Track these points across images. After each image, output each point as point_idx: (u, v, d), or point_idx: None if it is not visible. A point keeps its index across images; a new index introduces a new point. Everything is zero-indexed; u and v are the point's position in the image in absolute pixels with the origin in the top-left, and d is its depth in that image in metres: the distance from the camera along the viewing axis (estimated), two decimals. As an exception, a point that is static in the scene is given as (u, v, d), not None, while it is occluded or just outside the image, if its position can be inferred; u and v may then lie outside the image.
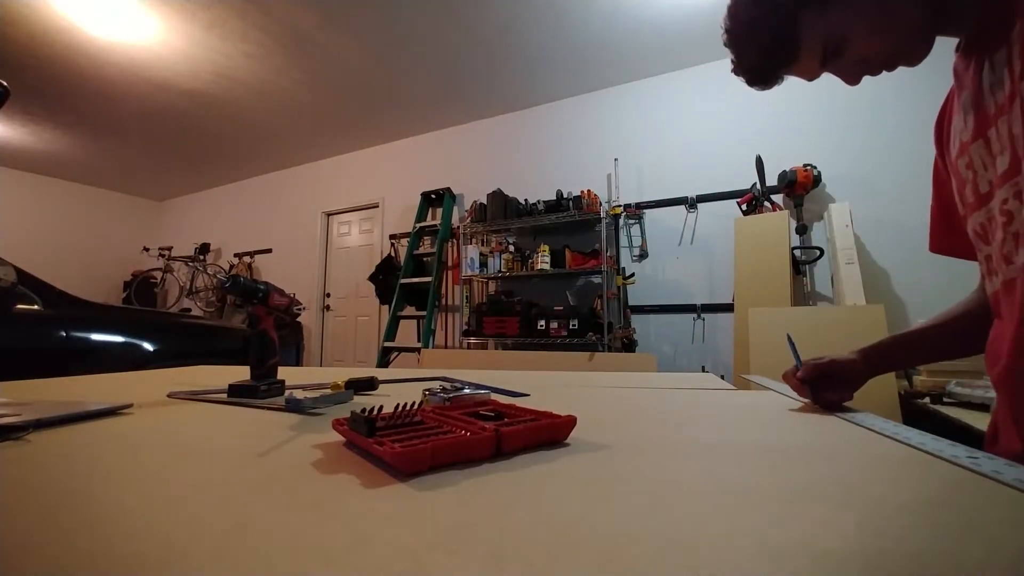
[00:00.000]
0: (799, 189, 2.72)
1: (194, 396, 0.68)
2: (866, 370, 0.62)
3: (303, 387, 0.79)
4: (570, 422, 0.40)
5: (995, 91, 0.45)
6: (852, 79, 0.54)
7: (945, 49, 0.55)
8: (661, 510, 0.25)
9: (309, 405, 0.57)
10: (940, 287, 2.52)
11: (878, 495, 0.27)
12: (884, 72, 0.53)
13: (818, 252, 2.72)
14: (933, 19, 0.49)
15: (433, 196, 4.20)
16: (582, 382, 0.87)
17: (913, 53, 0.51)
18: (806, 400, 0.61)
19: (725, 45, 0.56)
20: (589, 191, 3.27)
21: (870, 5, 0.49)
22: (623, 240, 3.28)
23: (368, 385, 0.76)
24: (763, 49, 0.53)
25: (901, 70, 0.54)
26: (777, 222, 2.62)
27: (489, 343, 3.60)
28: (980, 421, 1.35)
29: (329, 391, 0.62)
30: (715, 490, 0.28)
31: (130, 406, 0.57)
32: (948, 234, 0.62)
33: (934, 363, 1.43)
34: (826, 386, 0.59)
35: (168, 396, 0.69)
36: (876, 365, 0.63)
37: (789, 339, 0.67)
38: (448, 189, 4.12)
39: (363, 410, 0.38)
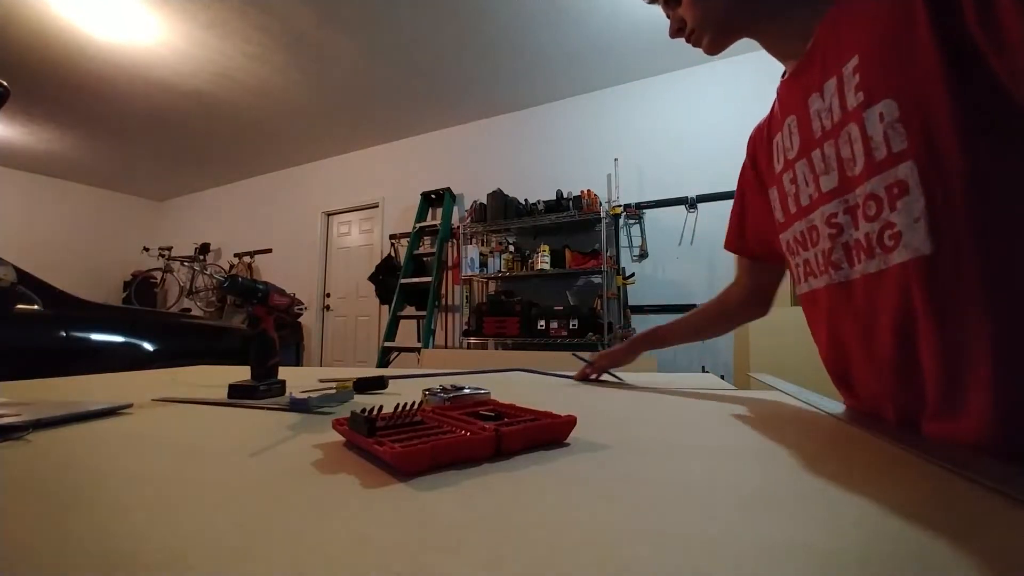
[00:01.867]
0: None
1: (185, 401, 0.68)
2: (631, 350, 0.89)
3: (317, 385, 0.79)
4: (570, 422, 0.40)
5: (822, 117, 0.50)
6: (670, 30, 0.64)
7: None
8: (661, 510, 0.25)
9: (315, 404, 0.57)
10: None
11: (878, 495, 0.27)
12: (686, 42, 0.62)
13: (818, 252, 2.72)
14: (738, 22, 0.58)
15: (433, 196, 4.20)
16: (585, 382, 0.87)
17: (710, 40, 0.60)
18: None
19: None
20: (589, 191, 3.27)
21: None
22: (623, 240, 3.28)
23: (377, 384, 0.76)
24: None
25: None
26: (777, 222, 2.62)
27: (489, 343, 3.60)
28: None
29: (333, 390, 0.62)
30: (715, 490, 0.28)
31: (130, 406, 0.57)
32: (740, 235, 0.74)
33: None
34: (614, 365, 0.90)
35: (155, 400, 0.68)
36: (639, 345, 0.89)
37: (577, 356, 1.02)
38: (448, 189, 4.12)
39: (363, 410, 0.37)
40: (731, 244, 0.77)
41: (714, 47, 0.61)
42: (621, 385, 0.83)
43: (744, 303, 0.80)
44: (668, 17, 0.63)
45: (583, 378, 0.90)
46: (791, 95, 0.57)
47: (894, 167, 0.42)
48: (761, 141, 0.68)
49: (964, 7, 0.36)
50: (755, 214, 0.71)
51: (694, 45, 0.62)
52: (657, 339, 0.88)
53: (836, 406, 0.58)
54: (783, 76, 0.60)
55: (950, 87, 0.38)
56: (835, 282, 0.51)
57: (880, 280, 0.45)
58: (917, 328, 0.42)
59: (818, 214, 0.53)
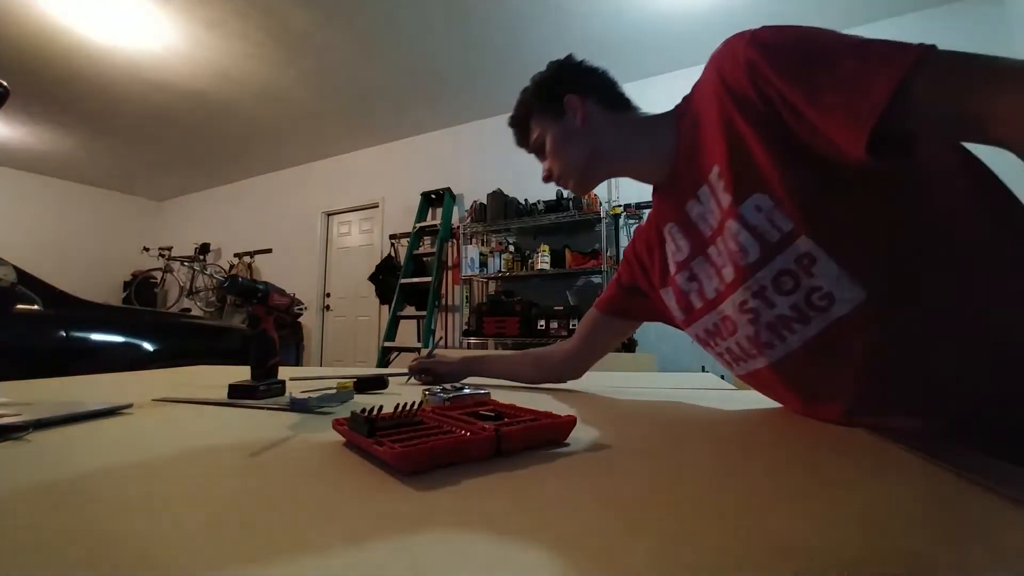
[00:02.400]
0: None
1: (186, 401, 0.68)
2: (462, 371, 0.91)
3: (317, 385, 0.79)
4: (570, 422, 0.40)
5: (707, 218, 0.55)
6: (543, 176, 0.72)
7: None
8: (661, 510, 0.25)
9: (315, 404, 0.57)
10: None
11: (878, 495, 0.27)
12: (573, 185, 0.69)
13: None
14: (595, 171, 0.66)
15: (433, 196, 4.20)
16: (582, 382, 0.88)
17: (575, 184, 0.68)
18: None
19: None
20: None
21: (555, 138, 0.67)
22: (623, 240, 3.28)
23: (378, 384, 0.76)
24: (514, 122, 0.73)
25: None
26: (777, 222, 2.62)
27: (489, 343, 3.60)
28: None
29: (333, 390, 0.62)
30: (715, 490, 0.28)
31: (130, 406, 0.57)
32: (615, 299, 0.76)
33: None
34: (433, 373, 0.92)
35: (155, 400, 0.68)
36: (470, 370, 0.91)
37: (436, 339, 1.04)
38: (448, 189, 4.12)
39: (363, 410, 0.38)
40: (602, 305, 0.77)
41: (580, 189, 0.69)
42: (621, 385, 0.83)
43: (567, 358, 0.83)
44: (544, 165, 0.71)
45: (413, 372, 0.96)
46: (666, 206, 0.63)
47: (793, 243, 0.46)
48: (643, 244, 0.70)
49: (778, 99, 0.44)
50: (639, 293, 0.72)
51: (563, 188, 0.74)
52: (477, 367, 0.92)
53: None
54: (654, 191, 0.66)
55: (789, 169, 0.45)
56: (777, 358, 0.52)
57: (828, 336, 0.46)
58: (885, 360, 0.45)
59: (728, 304, 0.54)
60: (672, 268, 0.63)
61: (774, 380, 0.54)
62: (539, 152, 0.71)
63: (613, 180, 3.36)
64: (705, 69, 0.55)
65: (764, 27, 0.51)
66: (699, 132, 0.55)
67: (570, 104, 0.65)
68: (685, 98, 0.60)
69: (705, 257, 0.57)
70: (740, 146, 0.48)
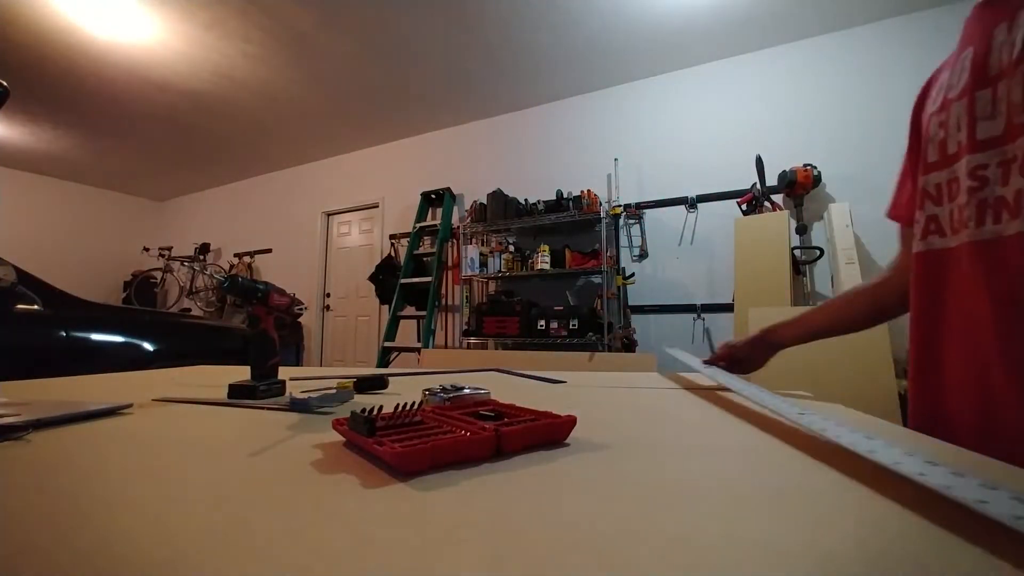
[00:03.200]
0: (799, 189, 2.72)
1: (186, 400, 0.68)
2: (764, 345, 0.76)
3: (314, 386, 0.79)
4: (570, 422, 0.40)
5: (1003, 51, 0.42)
6: None
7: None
8: (661, 510, 0.25)
9: (316, 404, 0.57)
10: (940, 287, 2.52)
11: (880, 494, 0.27)
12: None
13: (818, 252, 2.72)
14: None
15: (433, 196, 4.20)
16: (582, 382, 0.87)
17: None
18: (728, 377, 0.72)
19: None
20: (589, 191, 3.27)
21: None
22: (623, 240, 3.29)
23: (378, 384, 0.75)
24: None
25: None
26: (777, 222, 2.62)
27: (489, 343, 3.60)
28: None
29: (333, 390, 0.62)
30: (715, 490, 0.28)
31: (130, 406, 0.57)
32: (903, 200, 0.63)
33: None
34: (736, 363, 0.78)
35: (155, 400, 0.68)
36: (773, 346, 0.77)
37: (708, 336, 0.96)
38: (448, 189, 4.12)
39: (363, 410, 0.38)
40: (895, 210, 0.65)
41: None
42: (621, 385, 0.83)
43: (905, 293, 0.59)
44: None
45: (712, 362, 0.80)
46: (976, 25, 0.48)
47: None
48: (929, 89, 0.58)
49: None
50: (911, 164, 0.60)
51: None
52: (786, 334, 0.75)
53: (747, 387, 0.58)
54: (975, 4, 0.51)
55: None
56: (975, 240, 0.44)
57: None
58: None
59: (963, 164, 0.46)
60: (934, 106, 0.53)
61: (953, 270, 0.47)
62: None
63: (613, 180, 3.37)
64: None
65: None
66: None
67: None
68: None
69: (969, 101, 0.46)
70: None
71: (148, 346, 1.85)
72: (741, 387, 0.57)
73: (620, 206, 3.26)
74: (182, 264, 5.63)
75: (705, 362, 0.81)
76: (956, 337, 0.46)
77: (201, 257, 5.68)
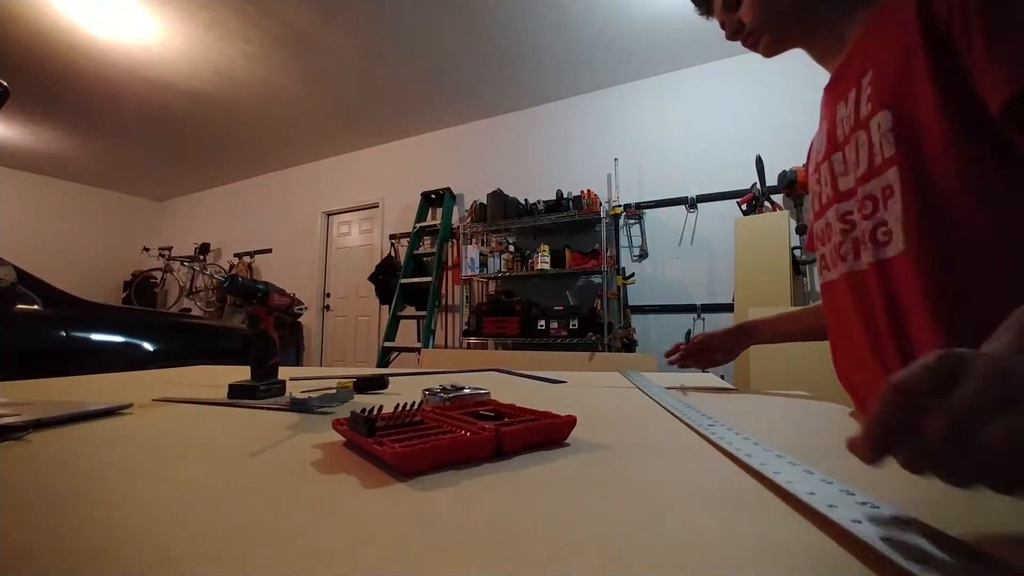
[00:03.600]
0: (799, 189, 2.72)
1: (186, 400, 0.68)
2: (740, 336, 0.85)
3: (313, 386, 0.79)
4: (570, 422, 0.40)
5: (844, 123, 0.55)
6: (727, 33, 0.67)
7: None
8: (661, 510, 0.25)
9: (316, 404, 0.57)
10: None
11: (880, 494, 0.27)
12: (743, 46, 0.66)
13: (818, 252, 2.72)
14: (795, 26, 0.62)
15: (433, 196, 4.20)
16: (582, 382, 0.87)
17: (769, 40, 0.63)
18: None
19: None
20: (589, 191, 3.27)
21: None
22: (623, 240, 3.29)
23: (378, 384, 0.75)
24: None
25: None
26: (777, 222, 2.62)
27: (489, 343, 3.60)
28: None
29: (333, 390, 0.62)
30: (715, 489, 0.28)
31: (130, 406, 0.57)
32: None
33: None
34: (707, 355, 0.85)
35: (155, 400, 0.68)
36: (749, 337, 0.86)
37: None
38: (448, 189, 4.12)
39: (363, 410, 0.38)
40: (809, 245, 0.74)
41: (772, 49, 0.64)
42: (621, 385, 0.83)
43: None
44: (723, 23, 0.67)
45: (676, 357, 0.86)
46: (826, 104, 0.63)
47: (885, 172, 0.48)
48: (811, 150, 0.71)
49: (953, 20, 0.41)
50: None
51: (751, 47, 0.65)
52: (752, 334, 0.85)
53: (687, 407, 0.58)
54: (824, 89, 0.64)
55: (939, 104, 0.43)
56: (847, 272, 0.57)
57: (879, 270, 0.51)
58: (909, 317, 0.48)
59: (832, 211, 0.59)
60: (811, 167, 0.66)
61: (837, 297, 0.60)
62: (729, 5, 0.66)
63: (613, 180, 3.37)
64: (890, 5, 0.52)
65: None
66: (880, 23, 0.52)
67: None
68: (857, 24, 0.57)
69: (829, 164, 0.59)
70: (903, 57, 0.46)
71: (148, 346, 1.85)
72: (658, 393, 0.62)
73: (620, 206, 3.26)
74: (182, 264, 5.63)
75: (671, 353, 0.88)
76: (846, 345, 0.60)
77: (201, 257, 5.68)
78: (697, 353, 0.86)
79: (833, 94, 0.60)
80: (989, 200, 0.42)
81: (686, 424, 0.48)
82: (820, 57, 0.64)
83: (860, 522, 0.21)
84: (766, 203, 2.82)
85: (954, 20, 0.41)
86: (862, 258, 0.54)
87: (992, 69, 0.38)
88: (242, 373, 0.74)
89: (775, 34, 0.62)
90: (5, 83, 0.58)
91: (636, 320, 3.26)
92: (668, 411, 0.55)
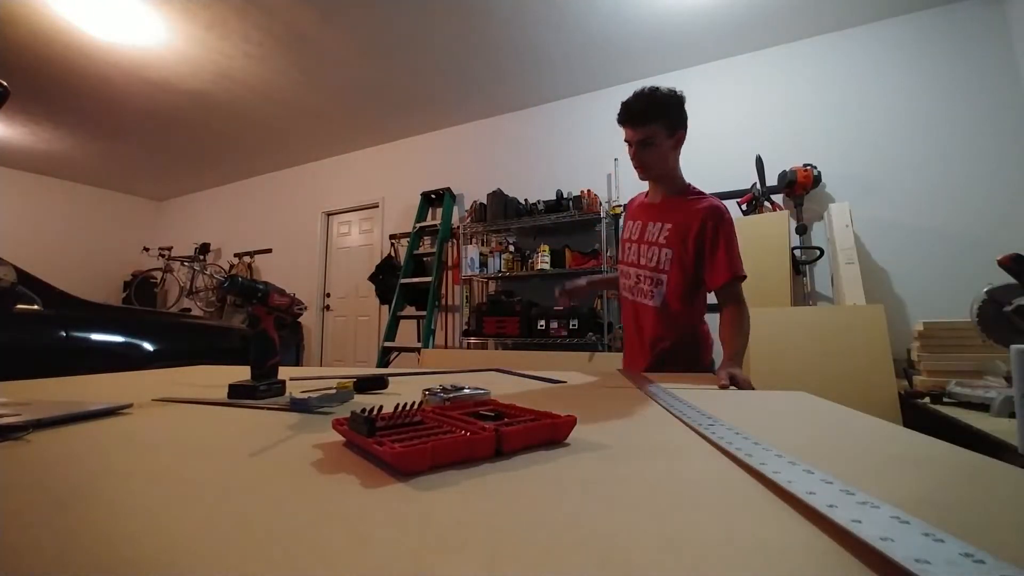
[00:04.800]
0: (799, 189, 2.72)
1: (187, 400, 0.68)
2: (590, 290, 1.40)
3: (313, 386, 0.79)
4: (570, 422, 0.40)
5: (652, 234, 1.21)
6: (634, 162, 1.19)
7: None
8: (661, 510, 0.25)
9: (316, 404, 0.57)
10: (939, 286, 2.52)
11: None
12: (642, 176, 1.24)
13: (818, 252, 2.72)
14: (659, 175, 1.23)
15: (433, 196, 4.20)
16: (581, 381, 0.87)
17: (649, 179, 1.25)
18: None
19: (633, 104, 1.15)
20: (589, 191, 3.27)
21: (662, 146, 1.17)
22: (623, 240, 3.28)
23: (378, 384, 0.75)
24: (641, 114, 1.14)
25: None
26: (777, 222, 2.62)
27: (489, 343, 3.60)
28: (980, 421, 1.35)
29: (333, 390, 0.62)
30: (715, 489, 0.28)
31: (129, 406, 0.57)
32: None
33: (931, 364, 1.90)
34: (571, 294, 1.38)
35: (155, 400, 0.68)
36: (595, 288, 1.45)
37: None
38: (448, 189, 4.12)
39: (363, 410, 0.38)
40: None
41: (646, 177, 1.24)
42: (621, 385, 0.83)
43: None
44: (632, 155, 1.18)
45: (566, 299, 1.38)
46: (646, 213, 1.26)
47: (660, 273, 1.19)
48: (628, 211, 1.38)
49: (704, 259, 1.15)
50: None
51: (641, 175, 1.23)
52: (596, 287, 1.44)
53: (688, 408, 0.58)
54: (645, 196, 1.32)
55: (688, 262, 1.15)
56: (631, 299, 1.28)
57: (648, 312, 1.22)
58: (654, 333, 1.21)
59: (633, 270, 1.25)
60: (629, 236, 1.29)
61: (634, 314, 1.27)
62: (640, 143, 1.14)
63: (613, 180, 3.37)
64: (702, 208, 1.16)
65: (725, 216, 1.15)
66: (683, 209, 1.19)
67: (680, 136, 1.18)
68: (691, 189, 1.25)
69: (639, 245, 1.25)
70: (687, 232, 1.15)
71: (148, 346, 1.85)
72: (666, 398, 0.68)
73: (620, 206, 3.26)
74: (182, 264, 5.63)
75: (562, 294, 1.36)
76: (633, 337, 1.28)
77: (201, 257, 5.68)
78: (569, 292, 1.35)
79: (651, 213, 1.24)
80: (687, 300, 1.18)
81: (685, 424, 0.48)
82: (655, 191, 1.26)
83: (860, 522, 0.21)
84: (766, 203, 2.82)
85: (706, 241, 1.12)
86: (638, 299, 1.25)
87: (715, 268, 1.13)
88: (242, 373, 0.74)
89: (654, 175, 1.22)
90: (5, 83, 0.58)
91: (636, 320, 3.26)
92: (668, 411, 0.55)
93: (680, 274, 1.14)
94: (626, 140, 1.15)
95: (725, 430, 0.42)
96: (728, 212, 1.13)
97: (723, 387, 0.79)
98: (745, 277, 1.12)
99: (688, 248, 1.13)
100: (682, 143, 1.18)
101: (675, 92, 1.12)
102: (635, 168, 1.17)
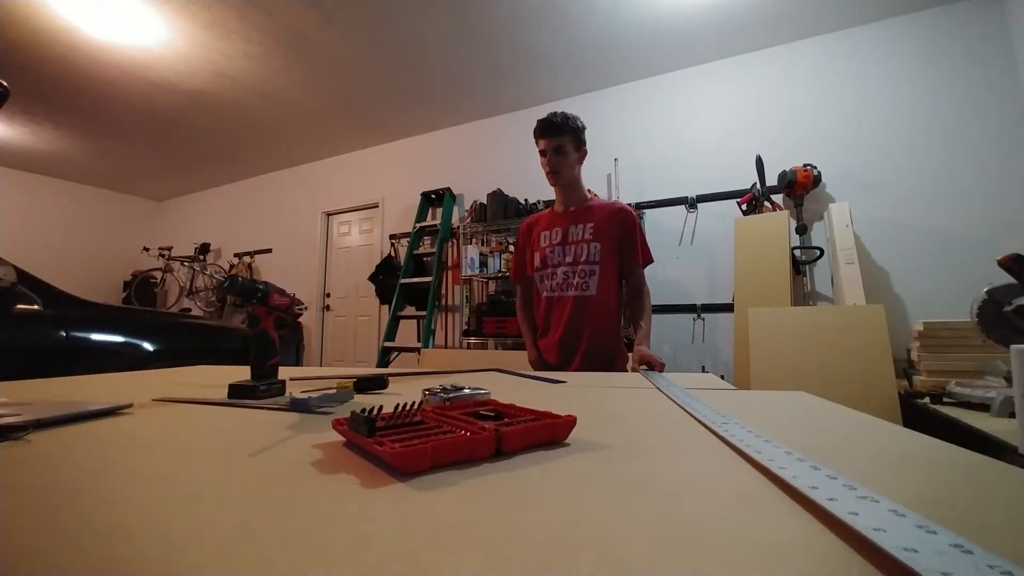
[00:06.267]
0: (799, 189, 2.72)
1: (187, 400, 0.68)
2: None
3: (313, 386, 0.79)
4: (570, 422, 0.40)
5: (574, 235, 1.42)
6: (548, 168, 1.41)
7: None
8: (660, 510, 0.25)
9: (316, 404, 0.57)
10: (939, 286, 2.52)
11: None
12: (554, 181, 1.44)
13: (818, 252, 2.72)
14: (568, 182, 1.44)
15: (433, 196, 4.20)
16: (581, 381, 0.87)
17: (559, 184, 1.44)
18: None
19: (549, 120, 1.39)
20: (589, 191, 3.27)
21: (571, 156, 1.41)
22: (623, 240, 3.28)
23: (378, 384, 0.75)
24: (558, 127, 1.38)
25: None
26: (777, 222, 2.62)
27: (489, 343, 3.60)
28: (980, 421, 1.35)
29: (333, 390, 0.62)
30: (715, 489, 0.28)
31: (130, 406, 0.57)
32: (521, 273, 1.57)
33: (931, 364, 1.90)
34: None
35: (155, 400, 0.68)
36: None
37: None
38: (448, 189, 4.12)
39: (363, 410, 0.38)
40: (515, 277, 1.60)
41: (556, 184, 1.44)
42: (621, 385, 0.83)
43: (527, 301, 1.58)
44: (546, 162, 1.40)
45: None
46: (562, 220, 1.45)
47: (592, 264, 1.38)
48: (531, 228, 1.55)
49: (626, 258, 1.41)
50: (528, 261, 1.53)
51: (551, 180, 1.43)
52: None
53: (702, 405, 0.58)
54: (550, 211, 1.52)
55: (613, 253, 1.39)
56: (558, 296, 1.43)
57: (583, 300, 1.38)
58: (586, 321, 1.38)
59: (561, 269, 1.42)
60: (545, 243, 1.47)
61: (555, 304, 1.43)
62: (555, 150, 1.37)
63: (613, 180, 3.38)
64: (614, 208, 1.43)
65: (633, 213, 1.43)
66: (598, 211, 1.42)
67: (583, 152, 1.44)
68: (595, 197, 1.54)
69: (563, 247, 1.43)
70: (611, 229, 1.39)
71: (148, 346, 1.85)
72: (678, 393, 0.68)
73: (620, 206, 3.26)
74: (182, 264, 5.62)
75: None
76: (556, 328, 1.42)
77: (201, 257, 5.68)
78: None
79: (569, 219, 1.44)
80: (614, 287, 1.39)
81: (700, 422, 0.48)
82: (566, 200, 1.46)
83: (857, 514, 0.21)
84: (766, 203, 2.82)
85: (624, 235, 1.39)
86: (568, 293, 1.40)
87: (633, 256, 1.40)
88: (242, 373, 0.74)
89: (563, 181, 1.41)
90: (5, 83, 0.58)
91: (636, 320, 3.26)
92: (683, 409, 0.55)
93: (610, 263, 1.37)
94: (541, 150, 1.38)
95: (738, 428, 0.42)
96: (633, 211, 1.46)
97: (634, 370, 1.05)
98: (652, 262, 1.44)
99: (612, 241, 1.37)
100: (584, 159, 1.45)
101: (579, 118, 1.42)
102: (548, 175, 1.40)
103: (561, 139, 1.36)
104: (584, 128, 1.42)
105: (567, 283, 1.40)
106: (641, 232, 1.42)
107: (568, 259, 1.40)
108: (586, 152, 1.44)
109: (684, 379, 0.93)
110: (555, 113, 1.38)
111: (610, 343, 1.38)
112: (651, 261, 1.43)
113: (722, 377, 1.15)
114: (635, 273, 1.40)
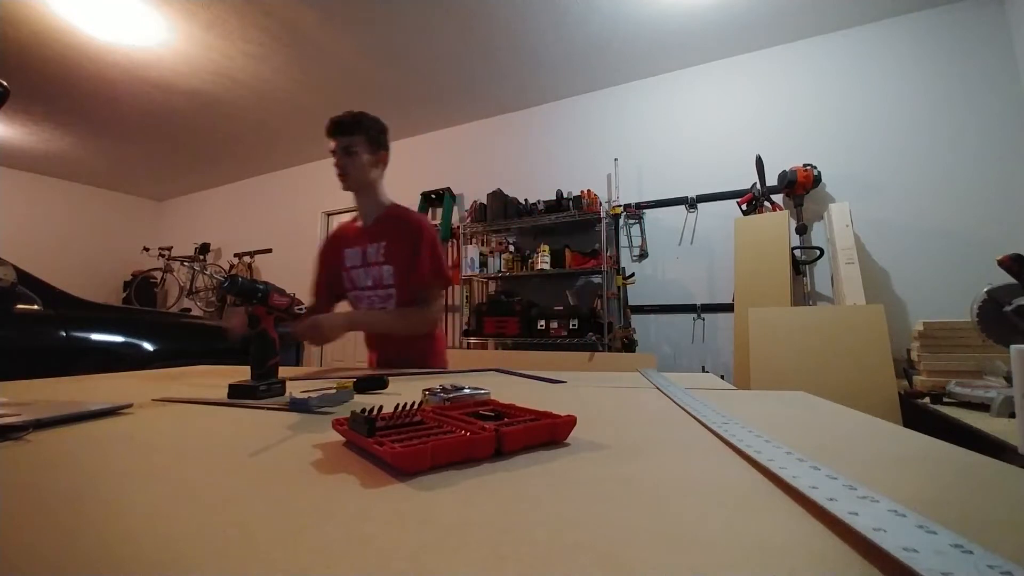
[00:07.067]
0: (799, 189, 2.72)
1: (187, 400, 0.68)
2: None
3: (316, 384, 0.79)
4: (570, 422, 0.40)
5: (370, 256, 1.33)
6: (337, 170, 1.30)
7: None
8: (660, 510, 0.25)
9: (316, 404, 0.57)
10: (939, 286, 2.52)
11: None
12: (344, 185, 1.32)
13: (818, 252, 2.72)
14: (360, 186, 1.33)
15: (433, 196, 4.20)
16: (581, 381, 0.87)
17: (346, 187, 1.32)
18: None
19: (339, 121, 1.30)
20: (589, 191, 3.27)
21: (364, 158, 1.30)
22: (623, 240, 3.28)
23: (378, 384, 0.75)
24: (346, 126, 1.29)
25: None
26: (777, 222, 2.62)
27: (489, 343, 3.60)
28: (980, 421, 1.35)
29: (333, 390, 0.62)
30: (714, 489, 0.28)
31: (130, 406, 0.57)
32: (327, 293, 1.46)
33: (931, 364, 1.87)
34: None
35: (155, 400, 0.68)
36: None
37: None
38: (448, 189, 4.12)
39: (363, 410, 0.38)
40: (316, 296, 1.46)
41: (345, 186, 1.32)
42: (621, 385, 0.83)
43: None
44: (336, 161, 1.29)
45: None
46: (363, 238, 1.35)
47: (388, 289, 1.31)
48: (337, 242, 1.42)
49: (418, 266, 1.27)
50: (332, 276, 1.43)
51: (343, 185, 1.32)
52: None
53: (702, 405, 0.58)
54: (355, 222, 1.40)
55: (405, 272, 1.28)
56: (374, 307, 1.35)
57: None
58: (392, 344, 1.36)
59: (365, 294, 1.35)
60: (350, 263, 1.37)
61: (372, 333, 1.41)
62: (344, 149, 1.28)
63: (613, 180, 3.38)
64: (400, 220, 1.33)
65: (426, 227, 1.31)
66: (392, 225, 1.32)
67: (381, 156, 1.34)
68: (395, 206, 1.37)
69: (364, 270, 1.34)
70: (401, 247, 1.28)
71: (148, 346, 1.85)
72: (677, 393, 0.67)
73: (620, 206, 3.26)
74: (182, 264, 5.62)
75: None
76: (372, 350, 1.46)
77: (201, 257, 5.67)
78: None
79: (364, 236, 1.34)
80: (407, 301, 1.29)
81: (700, 422, 0.48)
82: (361, 208, 1.37)
83: (857, 514, 0.21)
84: (766, 203, 2.82)
85: (411, 250, 1.26)
86: (361, 305, 1.36)
87: (416, 271, 1.26)
88: (242, 373, 0.74)
89: (353, 184, 1.31)
90: (5, 83, 0.58)
91: (636, 320, 3.26)
92: (683, 409, 0.55)
93: (404, 284, 1.28)
94: (331, 151, 1.28)
95: (738, 428, 0.42)
96: (430, 225, 1.33)
97: (294, 334, 1.10)
98: (447, 282, 1.31)
99: (403, 262, 1.28)
100: (384, 165, 1.34)
101: (379, 119, 1.33)
102: (338, 177, 1.30)
103: (351, 139, 1.26)
104: (385, 130, 1.32)
105: (372, 309, 1.34)
106: (430, 244, 1.27)
107: (370, 283, 1.33)
108: (387, 156, 1.33)
109: (684, 379, 0.93)
110: (349, 112, 1.29)
111: (426, 358, 1.33)
112: (444, 278, 1.29)
113: (722, 377, 1.15)
114: (418, 290, 1.27)
